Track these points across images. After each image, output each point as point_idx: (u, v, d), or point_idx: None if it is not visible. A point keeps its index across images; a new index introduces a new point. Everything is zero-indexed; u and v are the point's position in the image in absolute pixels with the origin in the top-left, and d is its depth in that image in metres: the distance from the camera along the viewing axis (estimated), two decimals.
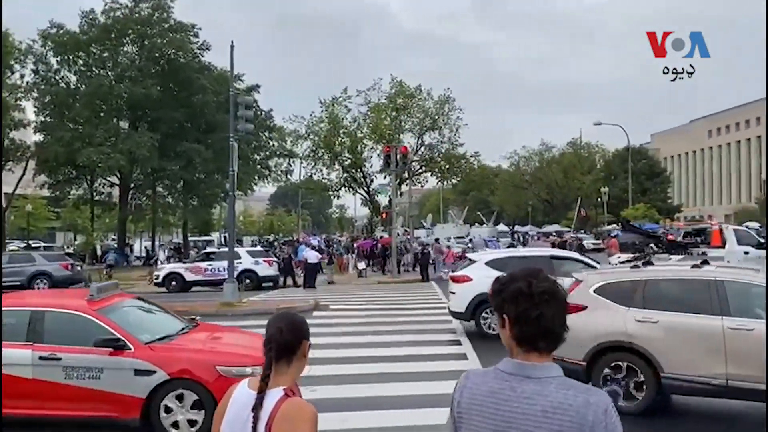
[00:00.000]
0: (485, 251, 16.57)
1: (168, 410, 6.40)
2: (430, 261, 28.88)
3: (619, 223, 39.69)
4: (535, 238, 46.82)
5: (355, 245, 36.57)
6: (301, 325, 2.32)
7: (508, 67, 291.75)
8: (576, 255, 14.90)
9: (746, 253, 19.50)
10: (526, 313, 1.81)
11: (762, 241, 20.92)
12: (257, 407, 2.11)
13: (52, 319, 6.77)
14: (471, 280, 12.35)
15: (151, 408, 6.36)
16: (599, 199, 59.23)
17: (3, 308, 6.67)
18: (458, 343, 11.86)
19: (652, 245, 21.67)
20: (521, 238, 50.21)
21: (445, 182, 49.42)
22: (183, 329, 7.44)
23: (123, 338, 6.53)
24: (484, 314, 12.25)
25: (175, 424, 6.39)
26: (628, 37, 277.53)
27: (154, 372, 6.36)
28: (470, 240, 40.91)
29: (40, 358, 6.43)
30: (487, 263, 12.56)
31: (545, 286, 1.82)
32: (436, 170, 42.58)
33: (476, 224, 65.72)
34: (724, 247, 19.91)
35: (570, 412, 1.72)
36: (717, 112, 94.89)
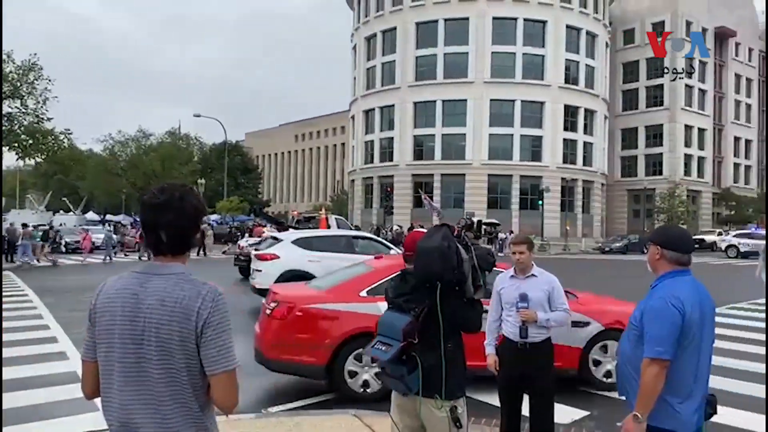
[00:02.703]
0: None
1: (597, 363, 6.85)
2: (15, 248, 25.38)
3: (253, 212, 42.34)
4: (129, 227, 44.65)
5: None
6: None
7: (112, 45, 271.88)
8: (372, 236, 16.44)
9: (273, 238, 23.36)
10: (145, 221, 2.08)
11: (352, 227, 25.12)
12: None
13: None
14: (278, 257, 13.01)
15: (582, 358, 6.74)
16: (196, 190, 60.25)
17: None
18: (47, 327, 10.87)
19: (276, 228, 24.28)
20: (113, 227, 47.35)
21: (26, 160, 43.29)
22: None
23: None
24: None
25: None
26: (237, 35, 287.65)
27: (589, 323, 6.75)
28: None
29: None
30: (293, 242, 13.58)
31: (163, 198, 2.04)
32: (16, 145, 36.96)
33: (61, 211, 59.50)
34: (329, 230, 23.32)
35: (182, 302, 1.97)
36: (304, 119, 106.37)
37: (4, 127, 36.39)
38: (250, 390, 6.67)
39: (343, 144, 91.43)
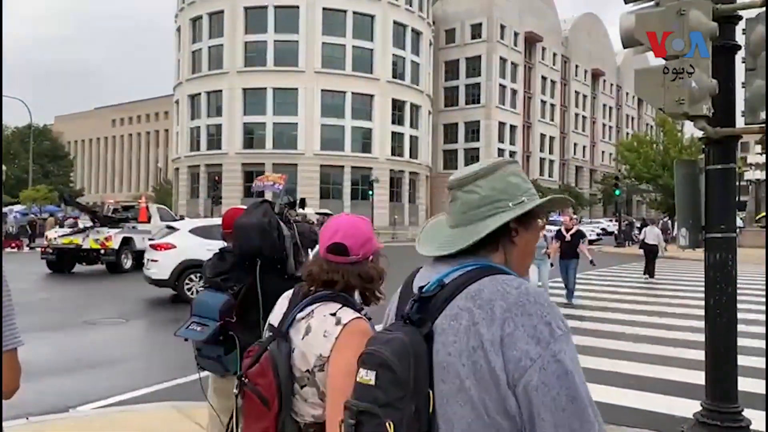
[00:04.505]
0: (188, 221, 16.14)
1: None
2: None
3: (63, 201, 38.57)
4: None
5: None
6: None
7: None
8: None
9: (168, 227, 21.55)
10: None
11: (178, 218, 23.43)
12: None
13: None
14: (175, 247, 12.76)
15: None
16: None
17: None
18: None
19: (90, 218, 21.92)
20: None
21: None
22: None
23: None
24: (187, 280, 12.61)
25: None
26: (48, 7, 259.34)
27: None
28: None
29: None
30: (190, 231, 13.28)
31: None
32: None
33: None
34: (149, 221, 21.52)
35: None
36: (122, 103, 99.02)
37: None
38: (54, 388, 6.09)
39: (166, 130, 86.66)
